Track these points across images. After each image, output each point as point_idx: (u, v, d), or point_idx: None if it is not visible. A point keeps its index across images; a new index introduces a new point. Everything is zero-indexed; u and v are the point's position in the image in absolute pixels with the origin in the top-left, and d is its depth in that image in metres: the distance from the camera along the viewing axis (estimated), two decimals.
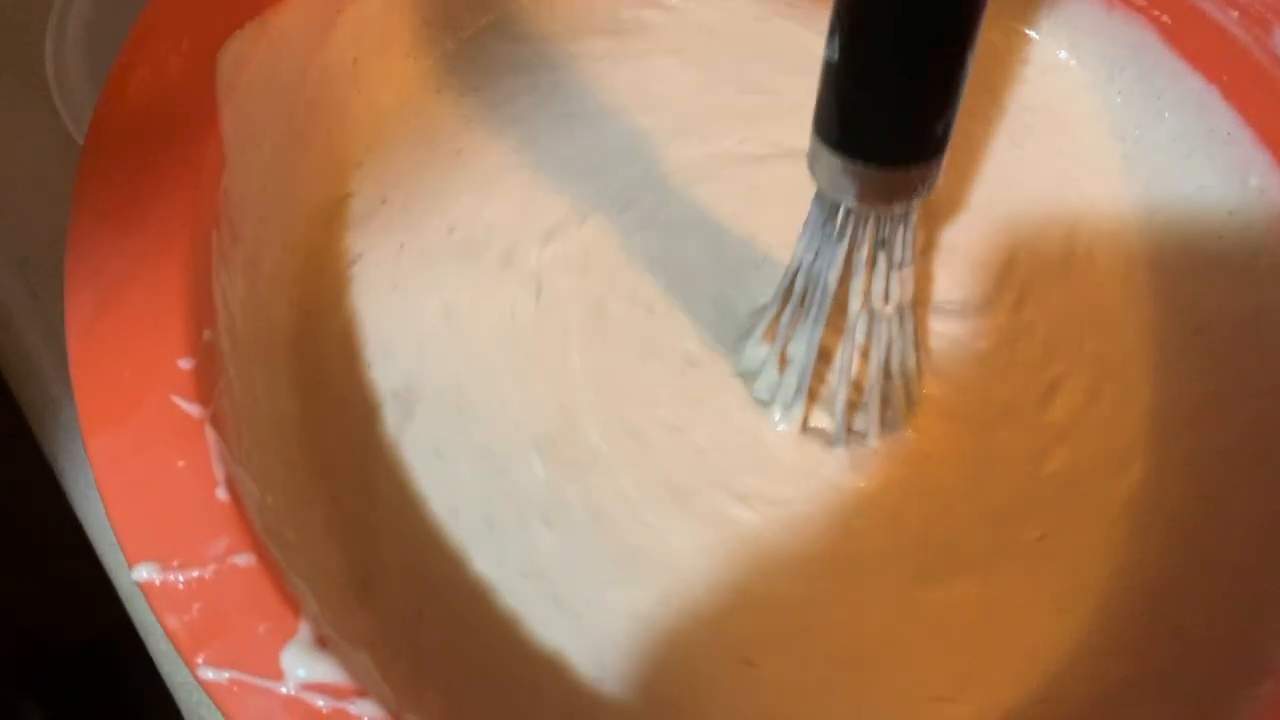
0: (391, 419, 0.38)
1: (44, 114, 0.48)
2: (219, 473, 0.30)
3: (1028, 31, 0.48)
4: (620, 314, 0.41)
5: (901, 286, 0.37)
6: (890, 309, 0.38)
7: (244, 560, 0.29)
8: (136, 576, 0.28)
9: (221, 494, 0.29)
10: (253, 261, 0.36)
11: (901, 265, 0.37)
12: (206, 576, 0.29)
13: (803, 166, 0.35)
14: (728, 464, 0.39)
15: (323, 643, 0.28)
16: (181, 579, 0.28)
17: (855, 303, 0.37)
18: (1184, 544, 0.39)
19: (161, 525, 0.29)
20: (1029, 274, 0.43)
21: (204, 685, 0.28)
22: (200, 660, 0.28)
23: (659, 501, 0.38)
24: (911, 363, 0.40)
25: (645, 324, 0.41)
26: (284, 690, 0.28)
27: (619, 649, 0.35)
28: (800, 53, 0.46)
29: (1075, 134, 0.47)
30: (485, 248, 0.41)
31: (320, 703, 0.28)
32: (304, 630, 0.28)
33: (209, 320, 0.32)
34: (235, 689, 0.28)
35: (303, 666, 0.28)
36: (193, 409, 0.30)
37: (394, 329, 0.40)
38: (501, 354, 0.40)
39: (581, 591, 0.36)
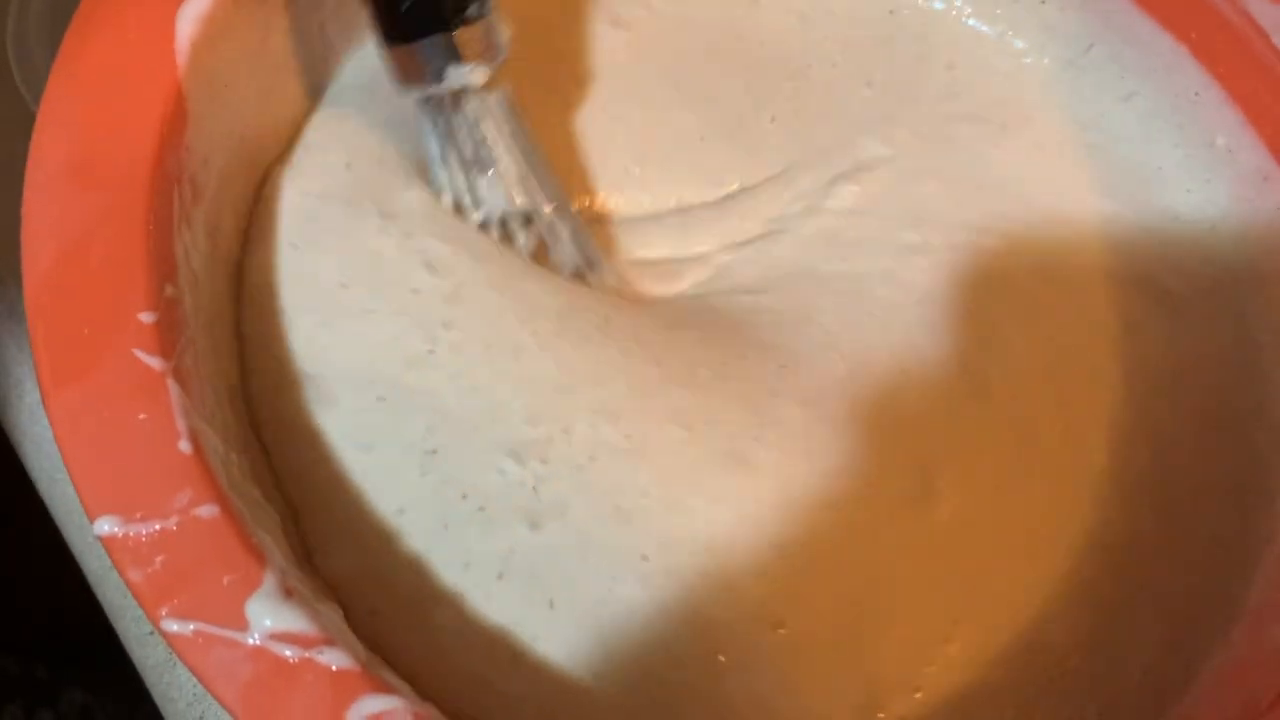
0: (319, 400, 0.37)
1: (6, 96, 0.48)
2: (181, 425, 0.29)
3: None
4: None
5: (488, 191, 0.39)
6: (479, 215, 0.39)
7: (207, 512, 0.28)
8: (98, 530, 0.28)
9: (184, 446, 0.29)
10: (214, 222, 0.35)
11: (477, 166, 0.38)
12: (170, 529, 0.28)
13: None
14: None
15: (289, 593, 0.28)
16: (144, 532, 0.28)
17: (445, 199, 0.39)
18: (1150, 507, 0.39)
19: (123, 478, 0.28)
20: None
21: (167, 638, 0.27)
22: (163, 613, 0.27)
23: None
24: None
25: None
26: (250, 641, 0.27)
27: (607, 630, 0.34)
28: None
29: (1036, 128, 0.46)
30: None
31: (288, 652, 0.27)
32: (269, 580, 0.28)
33: (170, 276, 0.32)
34: (199, 641, 0.27)
35: (269, 617, 0.27)
36: (154, 362, 0.30)
37: (340, 302, 0.38)
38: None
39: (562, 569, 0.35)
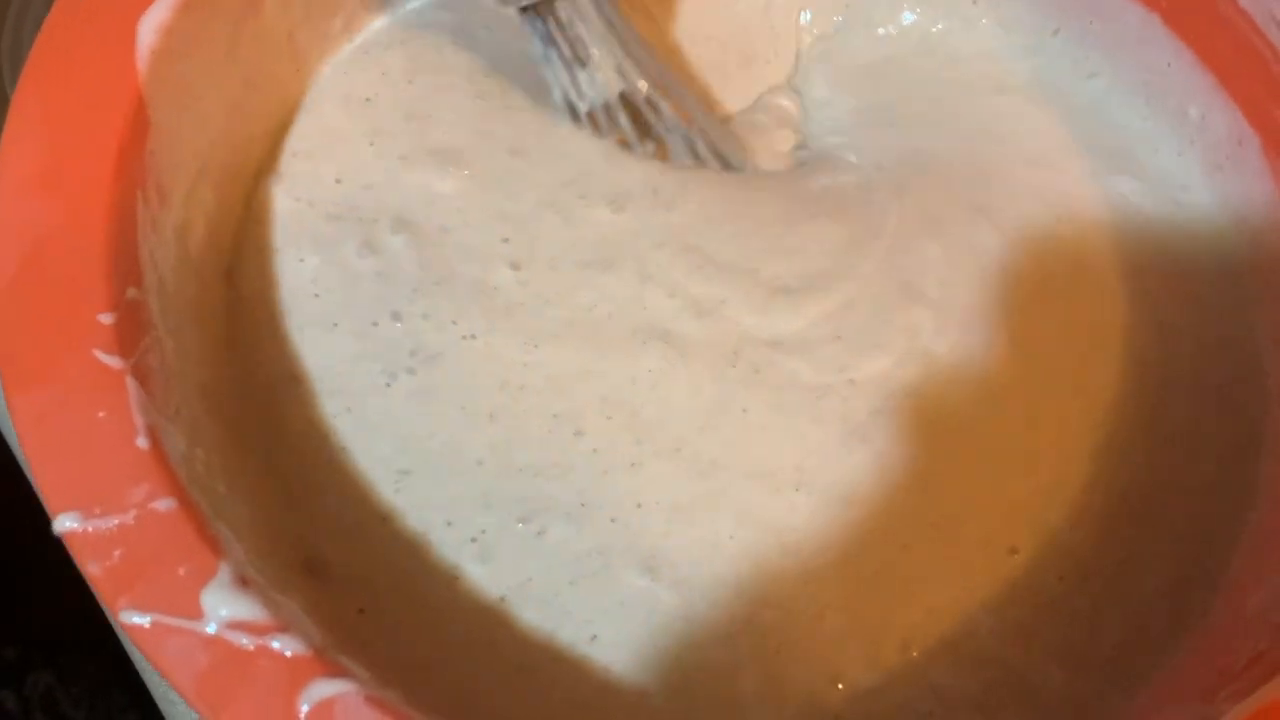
0: (318, 404, 0.38)
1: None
2: (139, 422, 0.30)
3: None
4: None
5: (589, 86, 0.41)
6: (584, 107, 0.42)
7: (164, 505, 0.29)
8: (59, 527, 0.28)
9: (142, 442, 0.29)
10: (183, 227, 0.36)
11: (576, 63, 0.41)
12: (128, 522, 0.28)
13: None
14: None
15: (244, 582, 0.28)
16: (102, 526, 0.28)
17: (555, 95, 0.42)
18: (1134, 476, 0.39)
19: (82, 475, 0.29)
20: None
21: (126, 630, 0.27)
22: (122, 605, 0.28)
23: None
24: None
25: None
26: (206, 630, 0.27)
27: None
28: None
29: (1009, 112, 0.47)
30: (427, 214, 0.41)
31: (244, 640, 0.27)
32: (224, 571, 0.28)
33: (134, 279, 0.32)
34: (157, 631, 0.27)
35: (225, 606, 0.28)
36: (114, 361, 0.30)
37: (327, 307, 0.39)
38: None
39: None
